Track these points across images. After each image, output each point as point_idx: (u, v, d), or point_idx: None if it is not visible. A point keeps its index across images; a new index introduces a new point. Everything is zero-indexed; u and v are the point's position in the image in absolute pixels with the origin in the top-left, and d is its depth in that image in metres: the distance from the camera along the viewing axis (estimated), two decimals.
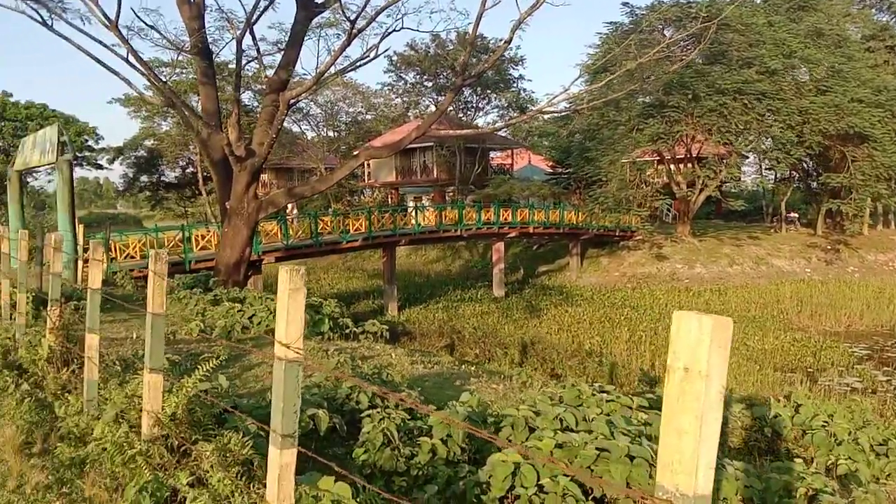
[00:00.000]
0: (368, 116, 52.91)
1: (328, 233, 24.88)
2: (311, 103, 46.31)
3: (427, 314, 26.59)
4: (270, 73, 19.25)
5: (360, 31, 15.59)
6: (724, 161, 34.93)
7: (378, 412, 6.31)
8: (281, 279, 3.31)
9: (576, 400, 6.66)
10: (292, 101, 16.92)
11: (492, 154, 47.36)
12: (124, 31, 16.83)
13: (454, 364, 12.01)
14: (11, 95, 56.87)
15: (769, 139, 34.56)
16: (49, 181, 61.35)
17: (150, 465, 4.68)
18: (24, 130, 54.98)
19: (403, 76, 43.71)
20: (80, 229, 17.27)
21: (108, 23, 14.39)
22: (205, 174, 59.04)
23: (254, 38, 17.44)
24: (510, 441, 5.94)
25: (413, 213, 28.54)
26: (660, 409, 1.98)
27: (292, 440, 3.32)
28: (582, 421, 5.96)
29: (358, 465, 5.54)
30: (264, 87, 17.87)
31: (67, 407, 6.59)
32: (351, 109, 53.16)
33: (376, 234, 25.73)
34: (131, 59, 15.43)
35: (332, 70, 16.99)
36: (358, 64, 18.11)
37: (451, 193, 45.68)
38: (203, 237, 21.83)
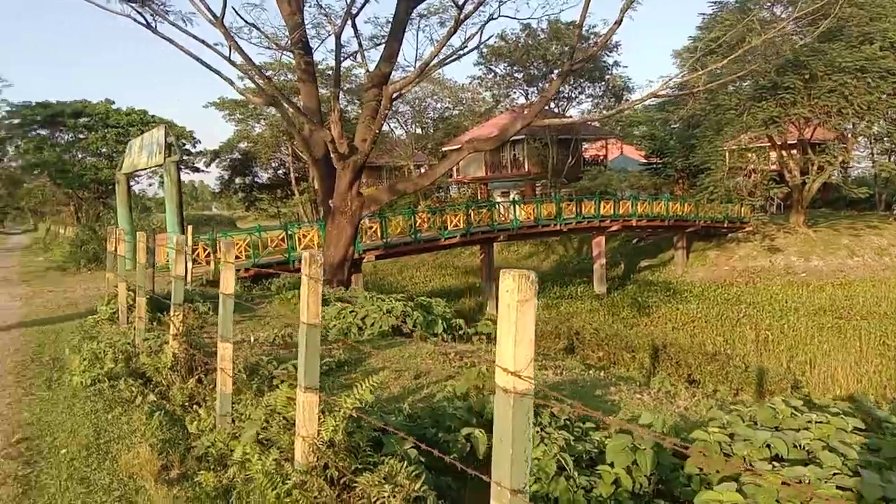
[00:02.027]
0: (455, 112, 52.33)
1: (426, 230, 24.36)
2: (400, 101, 46.10)
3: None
4: (358, 68, 18.85)
5: (467, 16, 14.88)
6: (844, 145, 32.35)
7: (535, 432, 5.54)
8: (505, 288, 2.55)
9: (772, 419, 5.65)
10: (395, 94, 16.39)
11: (584, 145, 45.85)
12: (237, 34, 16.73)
13: (582, 369, 11.10)
14: (114, 102, 59.31)
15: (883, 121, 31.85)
16: (150, 184, 63.89)
17: (307, 500, 4.05)
18: (127, 136, 57.27)
19: (493, 68, 42.83)
20: (188, 230, 17.30)
21: (213, 19, 14.21)
22: (297, 175, 60.14)
23: (355, 30, 17.05)
24: (704, 473, 5.04)
25: (511, 208, 27.67)
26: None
27: (524, 496, 2.55)
28: (793, 448, 4.99)
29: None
30: (366, 82, 17.37)
31: (199, 422, 6.12)
32: (438, 105, 52.77)
33: (474, 230, 25.03)
34: (235, 57, 15.24)
35: (434, 61, 16.32)
36: (460, 53, 17.43)
37: (540, 187, 44.53)
38: (305, 236, 21.68)
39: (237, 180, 67.27)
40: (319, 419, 4.33)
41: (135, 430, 5.89)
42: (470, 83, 48.06)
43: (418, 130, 55.12)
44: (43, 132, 57.18)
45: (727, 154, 33.85)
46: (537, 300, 2.64)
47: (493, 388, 7.46)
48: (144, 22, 17.24)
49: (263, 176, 69.69)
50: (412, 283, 35.85)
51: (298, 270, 17.09)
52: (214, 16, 14.20)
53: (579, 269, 35.09)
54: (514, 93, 45.68)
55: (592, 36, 41.16)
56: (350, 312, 12.59)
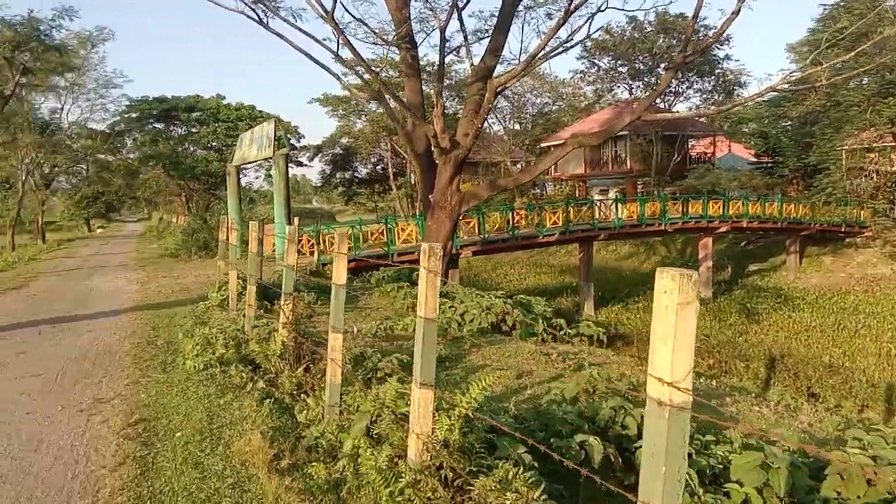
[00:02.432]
0: (555, 107, 51.55)
1: (523, 226, 24.03)
2: (500, 95, 45.88)
3: (628, 315, 24.92)
4: (458, 64, 18.68)
5: (577, 6, 14.45)
6: None
7: None
8: (663, 288, 2.28)
9: None
10: (500, 88, 16.14)
11: (691, 142, 44.09)
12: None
13: (692, 377, 10.53)
14: (225, 98, 61.88)
15: None
16: (256, 177, 66.33)
17: (421, 500, 3.91)
18: (236, 130, 59.64)
19: (597, 62, 41.84)
20: (294, 221, 17.69)
21: (324, 14, 14.39)
22: (395, 170, 61.01)
23: (461, 24, 16.85)
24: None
25: (613, 206, 26.92)
26: None
27: None
28: None
29: None
30: (469, 76, 17.22)
31: (308, 411, 6.12)
32: (537, 100, 52.11)
33: (574, 227, 24.46)
34: (343, 52, 15.41)
35: (541, 54, 15.96)
36: (567, 46, 17.00)
37: (641, 185, 43.21)
38: (404, 230, 21.82)
39: (338, 175, 68.94)
40: (434, 417, 4.17)
41: (246, 416, 5.94)
42: (571, 78, 47.22)
43: (516, 126, 54.68)
44: (158, 126, 60.39)
45: (846, 154, 31.69)
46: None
47: (605, 392, 7.09)
48: (257, 18, 17.71)
49: (362, 171, 71.17)
50: (506, 281, 35.57)
51: (398, 263, 17.27)
52: (325, 10, 14.38)
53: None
54: (618, 87, 44.51)
55: (702, 28, 39.58)
56: (449, 308, 12.47)
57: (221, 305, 11.92)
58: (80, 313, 11.77)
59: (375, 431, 5.10)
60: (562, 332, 12.49)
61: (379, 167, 68.58)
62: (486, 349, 9.90)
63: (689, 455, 4.92)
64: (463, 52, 17.72)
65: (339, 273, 5.91)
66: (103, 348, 8.81)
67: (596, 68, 42.55)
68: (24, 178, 44.55)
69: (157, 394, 6.58)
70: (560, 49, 17.21)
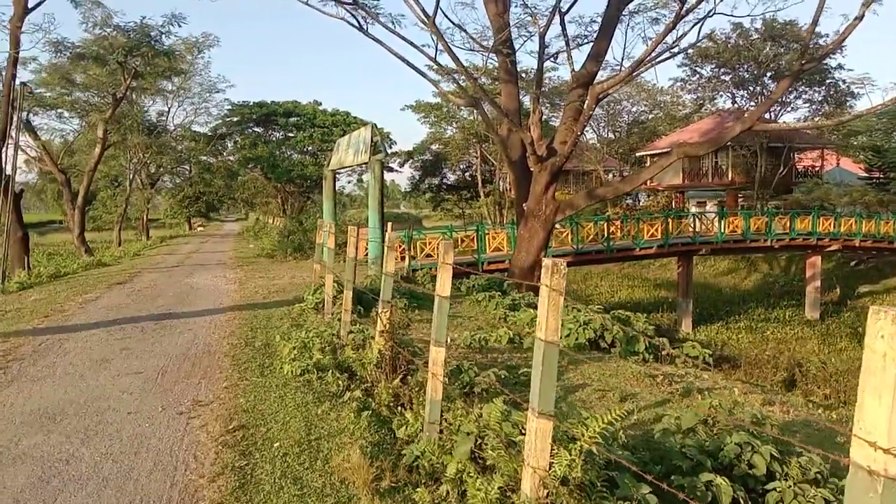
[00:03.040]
0: (651, 116, 50.09)
1: (618, 238, 23.25)
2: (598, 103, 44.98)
3: (728, 334, 23.72)
4: (550, 71, 18.19)
5: (688, 10, 13.77)
6: None
7: (788, 486, 4.69)
8: (878, 330, 1.85)
9: None
10: (602, 95, 15.61)
11: (797, 155, 41.81)
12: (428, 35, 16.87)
13: (808, 408, 9.71)
14: (321, 104, 63.44)
15: None
16: (348, 181, 67.59)
17: None
18: (331, 136, 60.99)
19: (699, 70, 40.32)
20: (388, 226, 17.68)
21: (425, 20, 14.30)
22: (483, 177, 60.84)
23: (563, 29, 16.42)
24: None
25: (716, 220, 25.70)
26: None
27: None
28: None
29: None
30: (570, 82, 16.75)
31: (407, 427, 5.87)
32: (633, 109, 50.78)
33: (673, 241, 23.47)
34: (441, 58, 15.29)
35: (647, 59, 15.31)
36: (673, 52, 16.30)
37: (742, 199, 41.31)
38: (495, 238, 21.49)
39: (427, 181, 69.43)
40: (552, 450, 3.80)
41: (343, 428, 5.74)
42: (671, 86, 45.71)
43: (610, 135, 53.51)
44: (258, 130, 62.50)
45: None
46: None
47: (727, 424, 6.44)
48: (357, 24, 17.88)
49: (451, 177, 71.42)
50: (597, 293, 34.65)
51: (487, 272, 16.85)
52: (427, 16, 14.29)
53: (786, 291, 31.99)
54: (720, 96, 42.76)
55: (813, 37, 37.49)
56: None
57: (316, 308, 11.92)
58: (181, 311, 12.01)
59: (481, 456, 4.79)
60: (664, 353, 11.83)
61: (467, 174, 68.65)
62: (586, 367, 9.43)
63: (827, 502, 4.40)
64: (559, 58, 17.25)
65: (444, 284, 5.63)
66: (203, 348, 8.87)
67: (698, 76, 41.00)
68: (131, 176, 46.91)
69: (255, 399, 6.48)
70: (666, 55, 16.51)
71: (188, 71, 41.01)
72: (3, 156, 20.51)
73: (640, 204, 50.01)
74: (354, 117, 63.15)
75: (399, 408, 6.53)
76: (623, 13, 16.82)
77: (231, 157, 63.13)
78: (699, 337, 23.42)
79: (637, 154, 47.23)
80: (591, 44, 16.99)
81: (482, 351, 9.92)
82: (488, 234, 21.70)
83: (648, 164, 45.02)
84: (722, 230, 25.29)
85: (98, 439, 5.36)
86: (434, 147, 64.05)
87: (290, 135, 62.36)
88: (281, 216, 55.67)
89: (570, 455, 3.79)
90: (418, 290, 15.30)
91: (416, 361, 7.76)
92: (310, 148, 61.74)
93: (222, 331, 10.07)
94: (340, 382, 7.18)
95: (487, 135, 55.28)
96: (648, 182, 45.01)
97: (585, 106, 15.68)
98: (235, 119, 59.26)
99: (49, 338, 9.56)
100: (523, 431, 5.30)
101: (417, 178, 68.95)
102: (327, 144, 61.57)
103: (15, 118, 20.55)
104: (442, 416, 5.61)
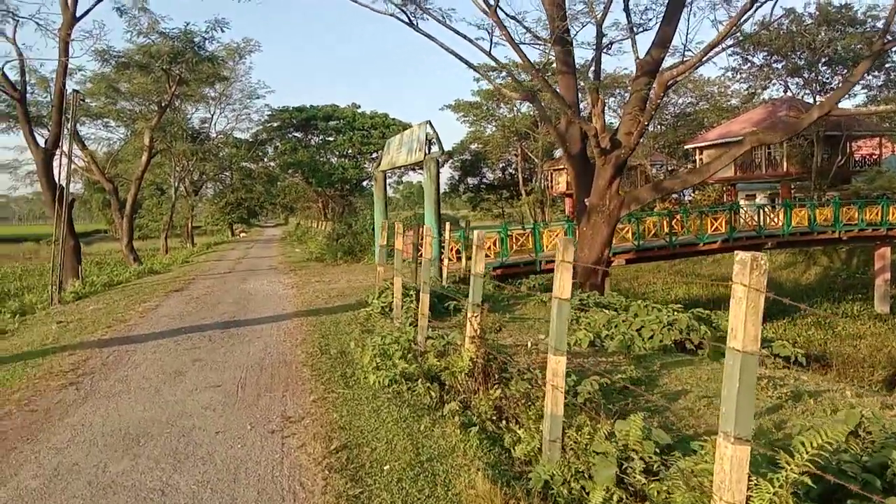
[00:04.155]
0: (698, 107, 48.76)
1: (680, 233, 22.35)
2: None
3: (797, 331, 22.64)
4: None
5: None
6: None
7: None
8: None
9: None
10: (671, 82, 14.84)
11: (854, 143, 40.16)
12: (474, 30, 16.30)
13: None
14: (359, 107, 63.33)
15: None
16: (388, 183, 67.33)
17: None
18: (370, 138, 60.91)
19: (750, 58, 38.99)
20: (445, 227, 17.16)
21: (486, 9, 13.73)
22: (524, 175, 60.07)
23: (628, 15, 15.68)
24: None
25: (782, 212, 24.58)
26: None
27: None
28: None
29: None
30: (635, 70, 16.02)
31: (522, 444, 5.28)
32: (680, 100, 49.48)
33: (738, 235, 22.47)
34: (507, 47, 14.69)
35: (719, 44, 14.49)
36: (739, 38, 15.50)
37: (796, 190, 39.86)
38: (552, 236, 20.81)
39: (467, 180, 68.92)
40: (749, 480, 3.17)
41: (453, 447, 5.16)
42: (721, 76, 44.38)
43: (655, 128, 52.27)
44: (297, 134, 62.70)
45: None
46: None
47: (879, 437, 5.65)
48: (407, 20, 17.41)
49: (490, 176, 70.82)
50: (650, 290, 33.65)
51: (545, 272, 16.09)
52: (488, 5, 13.71)
53: (850, 284, 30.61)
54: (773, 85, 41.34)
55: (870, 20, 35.98)
56: (623, 321, 11.36)
57: (384, 313, 11.42)
58: (245, 318, 11.60)
59: (630, 483, 4.18)
60: None
61: (507, 172, 67.97)
62: (678, 371, 8.72)
63: None
64: (611, 48, 16.51)
65: (564, 285, 5.02)
66: (277, 357, 8.40)
67: (749, 65, 39.67)
68: (176, 184, 47.22)
69: (348, 414, 5.94)
70: (738, 38, 15.68)
71: (230, 77, 40.99)
72: (57, 166, 20.55)
73: (686, 198, 48.76)
74: (393, 119, 62.94)
75: (503, 422, 5.95)
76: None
77: (271, 163, 63.40)
78: (767, 335, 22.40)
79: (685, 147, 45.96)
80: (649, 32, 16.28)
81: (566, 355, 9.25)
82: (544, 232, 21.01)
83: (698, 157, 43.77)
84: (788, 223, 24.18)
85: (190, 464, 4.87)
86: (473, 146, 63.48)
87: (330, 139, 62.44)
88: (322, 220, 55.69)
89: (775, 487, 3.16)
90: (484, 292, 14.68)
91: (509, 369, 7.19)
92: (349, 151, 61.73)
93: (293, 338, 9.60)
94: (433, 393, 6.63)
95: (528, 132, 54.62)
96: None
97: (653, 94, 14.93)
98: (276, 124, 59.46)
99: (116, 349, 9.19)
100: (667, 454, 4.69)
101: (457, 178, 68.46)
102: (366, 147, 61.53)
103: (67, 127, 20.54)
104: (564, 432, 5.01)
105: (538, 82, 15.66)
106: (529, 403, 6.06)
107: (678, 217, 22.64)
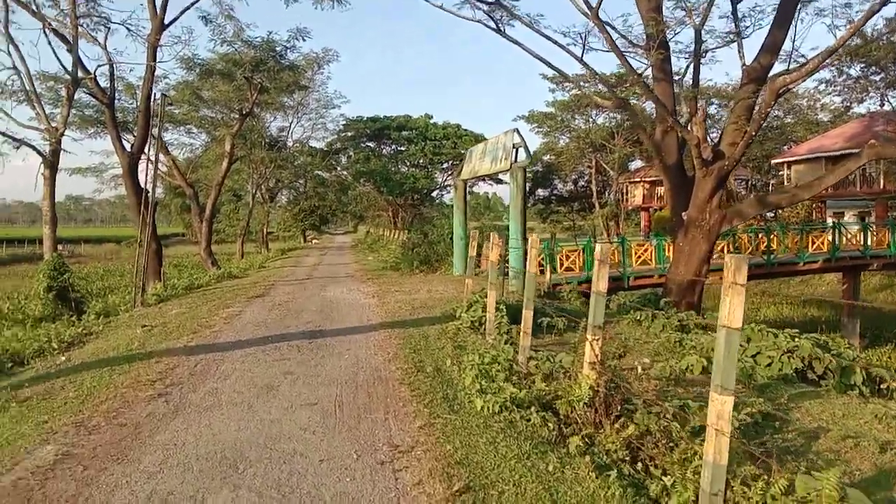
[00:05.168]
0: (787, 121, 46.58)
1: (779, 252, 20.98)
2: (724, 107, 42.14)
3: None
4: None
5: None
6: None
7: None
8: None
9: None
10: (783, 90, 13.77)
11: None
12: (560, 38, 15.59)
13: None
14: (432, 117, 63.24)
15: None
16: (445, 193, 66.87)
17: None
18: (442, 148, 60.70)
19: (845, 70, 36.89)
20: (533, 239, 16.43)
21: (587, 11, 13.02)
22: (598, 188, 58.68)
23: (736, 19, 14.71)
24: None
25: (889, 232, 22.88)
26: None
27: None
28: None
29: None
30: (742, 77, 14.99)
31: (672, 496, 4.54)
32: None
33: (841, 255, 20.95)
34: (596, 53, 13.93)
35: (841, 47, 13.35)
36: (852, 46, 14.30)
37: (890, 208, 37.45)
38: (640, 251, 19.81)
39: (538, 192, 67.88)
40: None
41: (591, 494, 4.46)
42: (814, 88, 42.27)
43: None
44: (370, 144, 63.05)
45: None
46: None
47: None
48: (494, 26, 16.89)
49: (562, 188, 69.59)
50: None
51: (633, 288, 15.05)
52: (590, 7, 13.00)
53: None
54: (869, 98, 39.04)
55: None
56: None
57: (473, 327, 10.78)
58: (331, 328, 11.15)
59: None
60: (883, 386, 9.89)
61: (579, 184, 66.61)
62: (808, 405, 7.78)
63: None
64: (738, 48, 15.50)
65: (734, 312, 4.28)
66: (371, 373, 7.85)
67: (844, 77, 37.52)
68: (253, 190, 47.95)
69: (462, 445, 5.30)
70: (847, 46, 14.49)
71: (309, 86, 41.36)
72: (143, 170, 20.81)
73: (769, 215, 46.56)
74: (465, 130, 62.59)
75: (638, 464, 5.21)
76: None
77: (344, 172, 63.93)
78: (874, 360, 20.78)
79: (773, 161, 43.88)
80: (747, 40, 15.25)
81: (680, 383, 8.43)
82: (632, 246, 20.02)
83: (786, 172, 41.71)
84: (895, 243, 22.45)
85: (296, 500, 4.32)
86: (546, 158, 62.45)
87: (402, 149, 62.54)
88: (393, 229, 55.70)
89: None
90: (563, 306, 13.89)
91: (634, 401, 6.44)
92: (421, 161, 61.67)
93: (384, 352, 9.06)
94: (550, 425, 5.93)
95: (604, 143, 53.33)
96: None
97: (763, 102, 13.90)
98: (350, 134, 59.94)
99: (203, 357, 8.83)
100: None
101: (529, 189, 67.44)
102: (438, 157, 61.33)
103: (153, 132, 20.80)
104: (732, 489, 4.25)
105: (638, 89, 14.82)
106: (671, 445, 5.30)
107: (776, 234, 21.28)
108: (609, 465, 5.07)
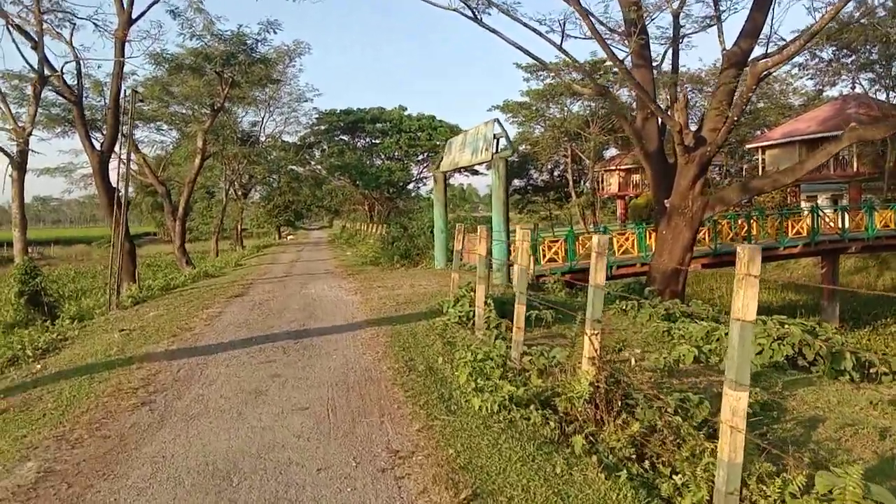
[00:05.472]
0: (760, 105, 46.89)
1: (759, 237, 21.07)
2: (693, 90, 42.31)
3: (882, 341, 21.14)
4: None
5: None
6: None
7: None
8: None
9: None
10: (764, 73, 13.74)
11: None
12: (543, 26, 15.43)
13: None
14: (406, 109, 62.78)
15: None
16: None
17: None
18: (417, 140, 60.32)
19: (818, 53, 37.21)
20: (520, 232, 16.24)
21: None
22: (574, 177, 58.77)
23: (715, 2, 14.65)
24: None
25: (865, 214, 23.09)
26: None
27: None
28: None
29: None
30: (722, 62, 14.95)
31: (685, 496, 4.39)
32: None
33: (820, 238, 21.10)
34: (591, 34, 13.78)
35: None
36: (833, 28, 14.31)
37: (864, 192, 37.94)
38: (621, 240, 19.76)
39: (514, 182, 67.79)
40: None
41: (603, 497, 4.30)
42: (787, 72, 42.59)
43: None
44: (344, 137, 62.44)
45: None
46: None
47: None
48: (471, 15, 16.71)
49: (537, 178, 69.63)
50: (714, 297, 32.20)
51: (615, 277, 14.96)
52: None
53: None
54: (840, 81, 39.46)
55: None
56: (726, 335, 10.32)
57: (461, 323, 10.60)
58: (315, 326, 10.90)
59: None
60: (871, 371, 9.90)
61: (555, 174, 66.67)
62: (802, 392, 7.75)
63: None
64: (718, 33, 15.45)
65: (747, 304, 4.11)
66: (361, 374, 7.62)
67: (816, 60, 37.87)
68: (227, 187, 47.22)
69: (464, 448, 5.11)
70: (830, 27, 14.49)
71: (281, 80, 40.71)
72: (114, 168, 20.27)
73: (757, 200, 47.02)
74: (440, 121, 62.24)
75: (645, 462, 5.06)
76: None
77: (318, 166, 63.25)
78: (852, 342, 20.98)
79: (747, 146, 44.23)
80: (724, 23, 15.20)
81: (673, 374, 8.35)
82: (613, 235, 19.96)
83: (761, 157, 42.06)
84: (871, 225, 22.68)
85: None
86: (521, 147, 62.36)
87: (376, 141, 62.05)
88: (369, 223, 55.30)
89: None
90: (548, 297, 13.76)
91: (633, 395, 6.30)
92: (396, 154, 61.25)
93: (372, 351, 8.84)
94: (552, 424, 5.77)
95: (579, 132, 53.35)
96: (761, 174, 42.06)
97: (745, 87, 13.86)
98: (323, 127, 59.29)
99: (186, 362, 8.54)
100: None
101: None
102: (413, 149, 60.95)
103: (122, 130, 20.25)
104: (747, 487, 4.11)
105: (616, 76, 14.70)
106: (679, 441, 5.16)
107: (755, 219, 21.37)
108: (616, 464, 4.92)
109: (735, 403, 4.12)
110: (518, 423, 5.77)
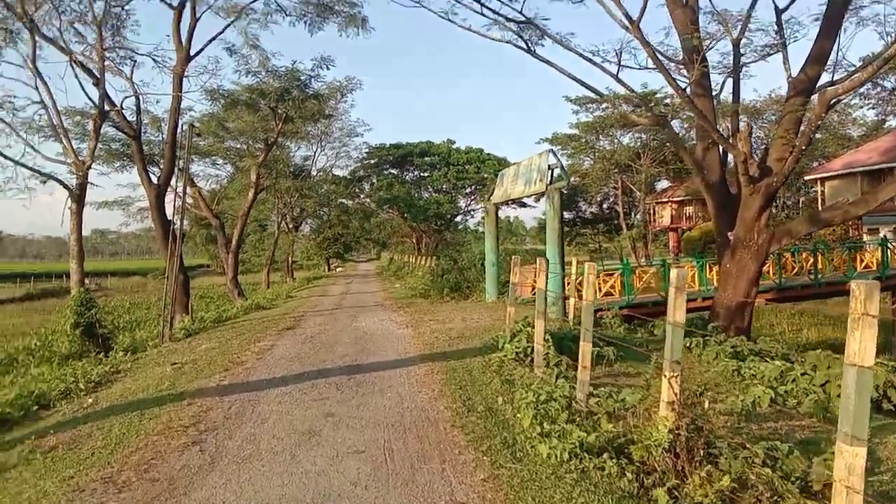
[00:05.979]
0: (818, 136, 45.50)
1: (826, 271, 20.11)
2: (756, 122, 41.20)
3: None
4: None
5: None
6: None
7: None
8: None
9: None
10: (834, 101, 13.13)
11: None
12: (596, 57, 15.11)
13: None
14: (454, 142, 63.06)
15: None
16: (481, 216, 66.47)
17: None
18: (465, 173, 60.39)
19: (880, 82, 36.06)
20: (573, 262, 15.81)
21: (628, 24, 12.51)
22: (624, 209, 57.84)
23: (780, 29, 14.16)
24: None
25: None
26: None
27: None
28: None
29: None
30: (788, 89, 14.37)
31: None
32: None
33: (891, 273, 20.04)
34: (652, 62, 13.41)
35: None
36: None
37: None
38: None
39: (563, 214, 67.20)
40: None
41: None
42: (846, 101, 41.31)
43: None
44: (393, 171, 62.92)
45: None
46: None
47: None
48: (525, 46, 16.47)
49: (586, 210, 68.78)
50: (774, 333, 30.88)
51: None
52: (630, 20, 12.50)
53: None
54: None
55: None
56: (802, 375, 9.67)
57: (518, 359, 10.15)
58: (368, 362, 10.59)
59: None
60: None
61: (605, 206, 65.78)
62: (893, 439, 7.06)
63: None
64: (783, 60, 14.89)
65: (865, 348, 3.64)
66: (417, 413, 7.25)
67: (878, 89, 36.65)
68: (279, 220, 47.79)
69: (535, 503, 4.68)
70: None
71: (333, 115, 41.24)
72: (169, 202, 20.55)
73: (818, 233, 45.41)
74: (488, 154, 62.32)
75: None
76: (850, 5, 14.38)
77: (367, 199, 63.78)
78: None
79: (805, 178, 42.88)
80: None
81: (751, 418, 7.74)
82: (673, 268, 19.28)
83: (819, 189, 40.66)
84: None
85: None
86: (571, 179, 61.84)
87: (425, 174, 62.35)
88: (417, 255, 55.26)
89: None
90: (604, 332, 13.18)
91: (717, 444, 5.77)
92: (444, 186, 61.39)
93: (428, 389, 8.46)
94: (629, 476, 5.28)
95: (630, 164, 52.58)
96: (820, 207, 40.63)
97: (813, 115, 13.25)
98: (373, 161, 59.91)
99: (237, 398, 8.30)
100: None
101: None
102: (461, 182, 61.02)
103: (178, 164, 20.56)
104: None
105: (683, 104, 14.26)
106: (777, 499, 4.64)
107: (821, 252, 20.43)
108: None
109: (852, 460, 3.63)
110: (591, 474, 5.31)
